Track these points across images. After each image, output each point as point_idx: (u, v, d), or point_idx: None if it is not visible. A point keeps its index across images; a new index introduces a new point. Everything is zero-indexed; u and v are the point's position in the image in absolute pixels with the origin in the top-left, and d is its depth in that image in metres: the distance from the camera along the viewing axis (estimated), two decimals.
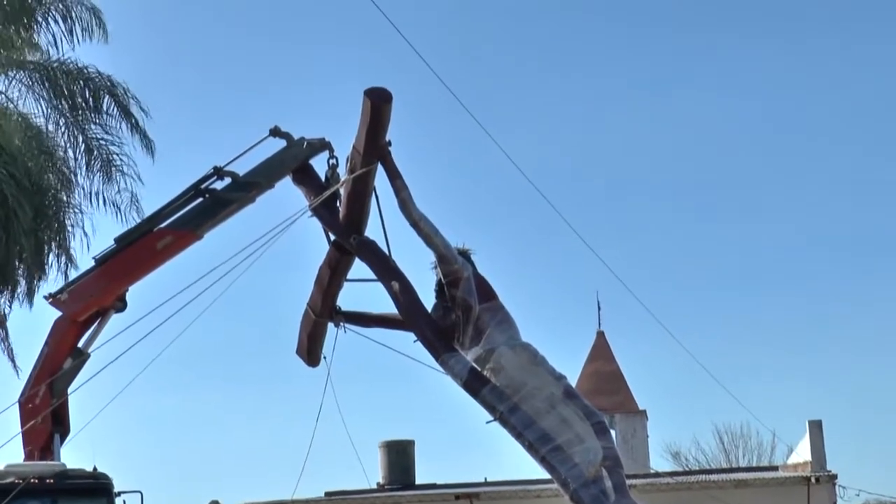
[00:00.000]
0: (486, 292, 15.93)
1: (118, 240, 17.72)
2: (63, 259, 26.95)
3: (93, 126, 27.06)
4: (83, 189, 27.19)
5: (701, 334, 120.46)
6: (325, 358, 17.03)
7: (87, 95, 26.98)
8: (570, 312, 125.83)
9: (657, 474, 32.32)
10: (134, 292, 17.76)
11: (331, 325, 16.86)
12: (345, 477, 34.37)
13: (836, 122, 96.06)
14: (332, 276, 15.77)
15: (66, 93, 26.73)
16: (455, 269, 15.79)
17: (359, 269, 16.58)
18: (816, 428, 26.52)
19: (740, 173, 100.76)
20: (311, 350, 16.91)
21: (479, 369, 15.43)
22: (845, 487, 33.66)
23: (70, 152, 27.06)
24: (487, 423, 15.43)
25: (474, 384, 15.42)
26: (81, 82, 26.90)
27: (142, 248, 17.42)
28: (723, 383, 50.18)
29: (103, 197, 27.05)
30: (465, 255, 15.05)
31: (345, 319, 16.71)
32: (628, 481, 22.77)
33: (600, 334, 40.06)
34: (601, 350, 39.69)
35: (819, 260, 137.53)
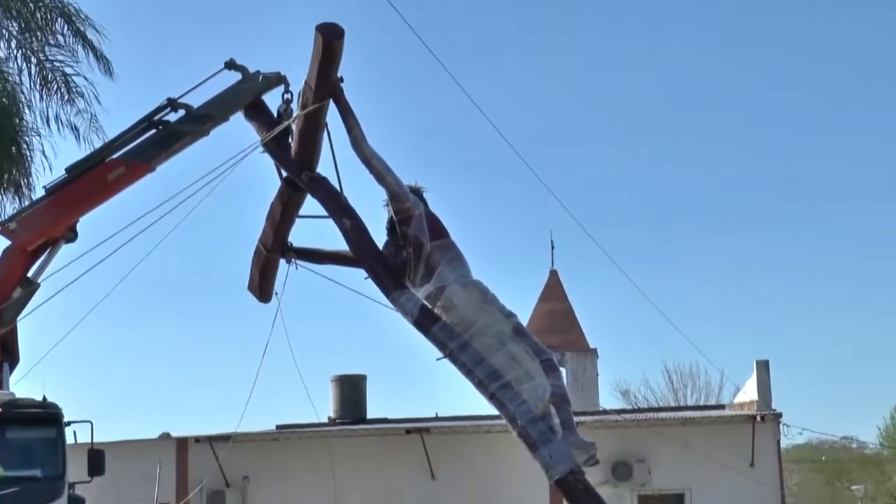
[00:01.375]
0: (437, 230, 16.01)
1: (69, 170, 17.59)
2: (24, 183, 26.63)
3: (47, 48, 26.60)
4: (40, 113, 26.77)
5: (654, 276, 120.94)
6: (276, 294, 17.07)
7: (39, 18, 26.48)
8: (523, 251, 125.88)
9: (606, 412, 32.81)
10: (85, 223, 17.67)
11: (283, 262, 16.90)
12: (297, 411, 34.70)
13: (786, 58, 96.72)
14: (284, 212, 15.77)
15: (14, 14, 26.22)
16: (407, 206, 15.84)
17: (311, 205, 16.60)
18: (763, 368, 26.85)
19: (698, 112, 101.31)
20: (262, 286, 16.93)
21: (430, 307, 15.55)
22: (789, 426, 34.29)
23: (25, 76, 26.61)
24: (438, 360, 15.57)
25: (424, 322, 15.54)
26: (31, 4, 26.38)
27: (93, 179, 17.30)
28: (674, 323, 50.64)
29: (62, 120, 26.68)
30: (417, 192, 15.09)
31: (296, 256, 16.74)
32: (577, 418, 23.10)
33: (553, 273, 40.30)
34: (554, 289, 39.95)
35: (768, 202, 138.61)
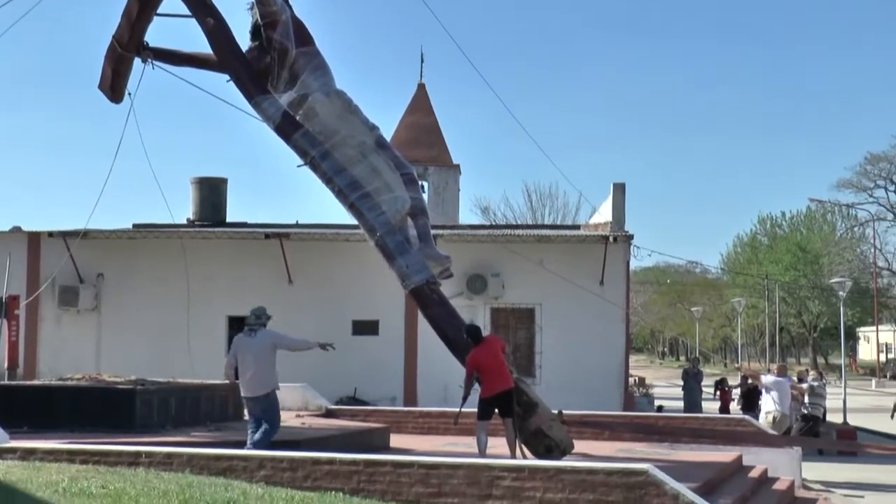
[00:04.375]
0: (303, 37, 15.73)
1: None
2: None
3: None
4: None
5: (520, 97, 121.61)
6: (129, 94, 16.59)
7: None
8: (393, 63, 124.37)
9: (464, 226, 33.31)
10: None
11: (138, 61, 16.38)
12: (158, 212, 34.19)
13: None
14: (142, 8, 15.23)
15: None
16: (273, 10, 15.47)
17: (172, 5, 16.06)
18: (619, 191, 27.44)
19: None
20: (114, 85, 16.45)
21: (292, 114, 15.39)
22: (640, 248, 35.48)
23: None
24: (298, 166, 15.57)
25: (286, 128, 15.42)
26: None
27: None
28: (537, 142, 51.07)
29: None
30: None
31: (153, 56, 16.24)
32: (436, 232, 23.51)
33: (421, 87, 40.12)
34: (421, 102, 39.84)
35: (631, 34, 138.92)
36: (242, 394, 13.22)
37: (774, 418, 20.89)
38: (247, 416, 14.08)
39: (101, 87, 16.41)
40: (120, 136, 16.59)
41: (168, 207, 21.60)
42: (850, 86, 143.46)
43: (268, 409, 13.27)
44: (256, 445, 12.91)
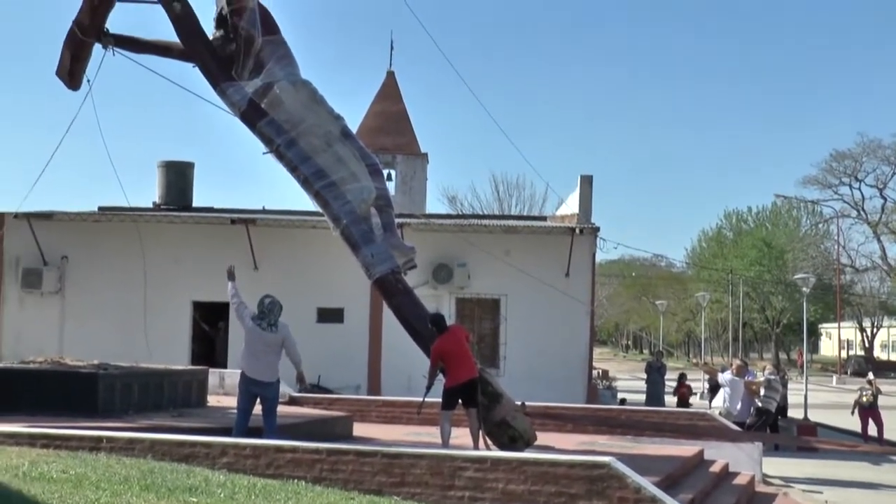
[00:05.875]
0: (269, 26, 15.64)
1: None
2: None
3: None
4: None
5: (489, 88, 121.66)
6: (88, 81, 16.37)
7: None
8: (362, 51, 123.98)
9: (431, 216, 33.30)
10: None
11: (97, 47, 16.20)
12: (122, 196, 33.86)
13: None
14: None
15: None
16: None
17: None
18: (587, 183, 27.52)
19: None
20: (73, 70, 16.26)
21: (257, 102, 15.32)
22: (606, 241, 35.62)
23: None
24: (264, 153, 15.50)
25: (252, 115, 15.36)
26: None
27: None
28: (506, 133, 51.31)
29: None
30: None
31: (114, 42, 16.05)
32: (403, 220, 23.45)
33: (390, 74, 40.00)
34: (390, 90, 39.72)
35: (599, 26, 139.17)
36: (253, 377, 13.16)
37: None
38: (233, 403, 14.03)
39: (58, 73, 16.16)
40: (72, 118, 16.35)
41: (123, 190, 21.48)
42: (817, 82, 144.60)
43: (277, 394, 13.45)
44: (273, 430, 13.11)
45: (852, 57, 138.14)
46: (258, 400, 13.32)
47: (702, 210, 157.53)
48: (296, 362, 13.51)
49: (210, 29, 15.79)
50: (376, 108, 38.94)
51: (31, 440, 11.49)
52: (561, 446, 15.28)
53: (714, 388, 27.32)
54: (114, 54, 15.95)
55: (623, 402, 32.77)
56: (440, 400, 14.62)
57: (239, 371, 13.52)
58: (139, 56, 16.22)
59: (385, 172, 20.63)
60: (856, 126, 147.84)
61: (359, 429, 17.00)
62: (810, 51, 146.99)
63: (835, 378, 66.69)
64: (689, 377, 33.85)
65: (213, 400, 17.75)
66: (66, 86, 16.33)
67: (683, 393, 32.29)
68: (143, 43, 16.26)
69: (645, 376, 32.17)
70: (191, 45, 15.47)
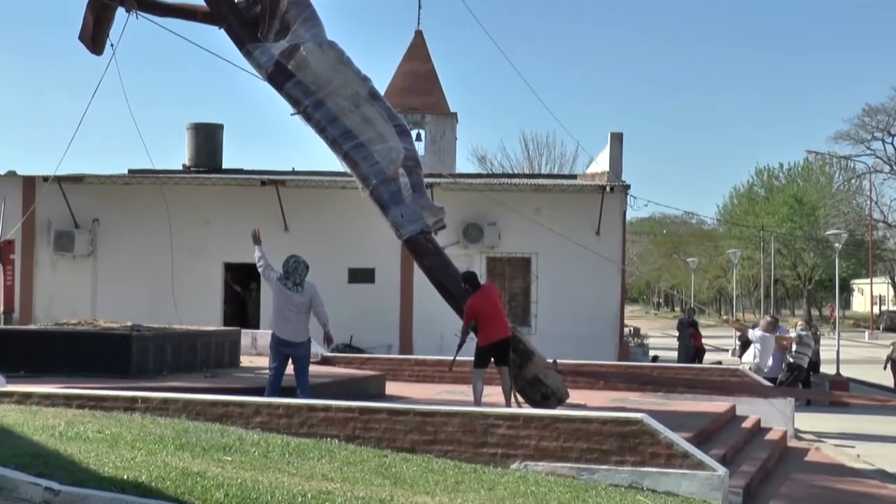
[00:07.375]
0: None
1: None
2: None
3: None
4: None
5: (519, 47, 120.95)
6: (111, 45, 16.29)
7: None
8: (390, 10, 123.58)
9: (461, 175, 33.23)
10: None
11: (121, 10, 16.13)
12: (156, 158, 33.90)
13: None
14: None
15: None
16: None
17: None
18: (617, 140, 27.32)
19: None
20: (96, 35, 16.19)
21: (284, 63, 15.25)
22: (636, 198, 35.43)
23: None
24: (292, 115, 15.45)
25: (279, 77, 15.30)
26: None
27: None
28: (535, 92, 50.94)
29: None
30: None
31: (138, 6, 15.95)
32: (432, 180, 23.38)
33: (418, 34, 39.80)
34: (418, 49, 39.55)
35: None
36: (283, 338, 13.22)
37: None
38: (265, 363, 14.13)
39: (81, 37, 16.09)
40: (97, 82, 16.34)
41: (148, 154, 21.49)
42: (849, 37, 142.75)
43: (308, 353, 13.50)
44: (306, 389, 13.18)
45: (887, 12, 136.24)
46: (290, 360, 13.39)
47: (733, 167, 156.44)
48: (323, 322, 13.53)
49: None
50: (405, 68, 38.78)
51: (66, 401, 11.60)
52: (593, 403, 15.30)
53: (745, 345, 27.22)
54: (137, 18, 15.87)
55: (655, 359, 32.70)
56: (472, 358, 14.64)
57: (270, 332, 13.60)
58: (162, 20, 16.16)
59: (414, 132, 20.53)
60: (889, 80, 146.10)
61: (391, 387, 17.07)
62: (844, 7, 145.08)
63: (867, 333, 66.33)
64: (714, 334, 33.54)
65: (245, 360, 17.85)
66: (88, 50, 16.29)
67: (698, 341, 31.66)
68: (167, 6, 16.18)
69: (676, 333, 32.07)
70: (216, 8, 15.39)
